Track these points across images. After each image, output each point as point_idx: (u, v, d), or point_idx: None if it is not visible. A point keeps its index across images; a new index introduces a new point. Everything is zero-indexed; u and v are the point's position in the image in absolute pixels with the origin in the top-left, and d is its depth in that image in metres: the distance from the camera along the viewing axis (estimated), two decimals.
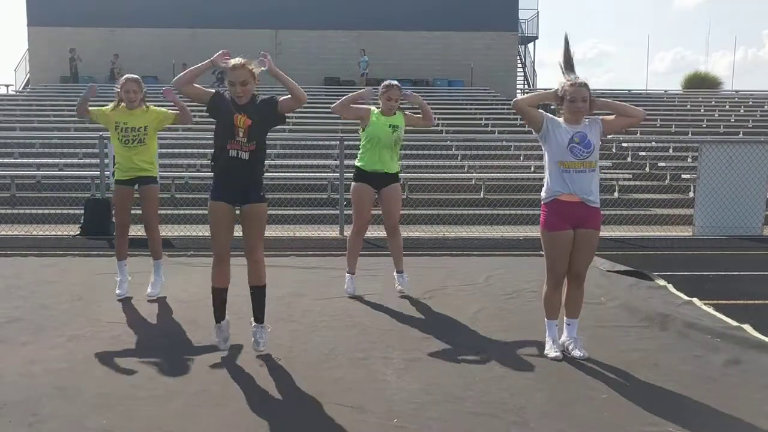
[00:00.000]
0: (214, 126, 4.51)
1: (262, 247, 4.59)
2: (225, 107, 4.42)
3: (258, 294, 4.58)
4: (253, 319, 4.60)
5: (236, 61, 4.39)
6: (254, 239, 4.51)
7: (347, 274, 6.30)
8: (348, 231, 6.24)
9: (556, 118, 4.49)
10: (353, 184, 6.14)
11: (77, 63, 25.32)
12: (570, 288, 4.59)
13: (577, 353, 4.52)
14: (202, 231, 9.69)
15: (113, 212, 6.07)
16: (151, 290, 6.07)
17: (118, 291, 6.06)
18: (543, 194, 4.52)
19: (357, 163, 6.13)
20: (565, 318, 4.66)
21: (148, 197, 5.98)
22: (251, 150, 4.39)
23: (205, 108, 4.51)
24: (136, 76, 6.03)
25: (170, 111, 6.05)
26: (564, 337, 4.66)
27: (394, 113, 6.09)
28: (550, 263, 4.52)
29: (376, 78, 26.72)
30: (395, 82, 6.14)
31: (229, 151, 4.37)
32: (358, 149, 6.16)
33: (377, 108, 6.12)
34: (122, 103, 5.87)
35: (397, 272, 6.35)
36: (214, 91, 4.56)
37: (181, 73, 4.52)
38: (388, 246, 6.38)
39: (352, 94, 6.08)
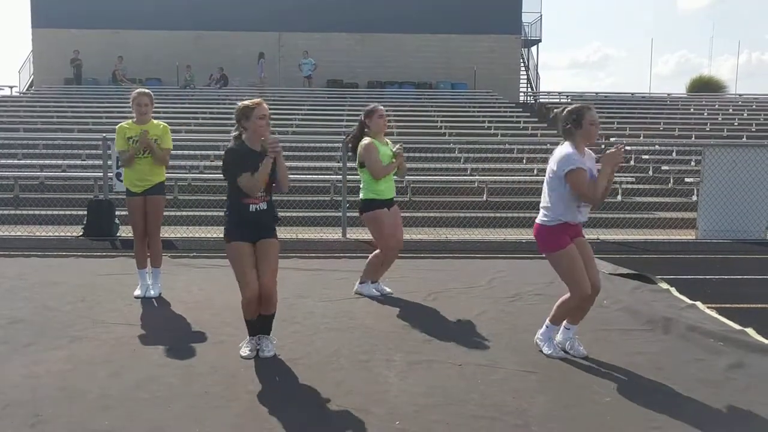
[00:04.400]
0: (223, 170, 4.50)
1: (276, 282, 4.53)
2: (246, 163, 4.35)
3: (268, 318, 4.61)
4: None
5: (258, 99, 4.50)
6: (269, 275, 4.42)
7: (372, 283, 6.35)
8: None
9: (581, 158, 4.40)
10: (373, 212, 6.02)
11: (80, 65, 25.31)
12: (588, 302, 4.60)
13: (576, 352, 4.60)
14: (205, 233, 9.71)
15: (130, 224, 6.18)
16: (152, 293, 6.16)
17: (137, 292, 6.14)
18: (550, 218, 4.45)
19: (371, 195, 6.02)
20: (566, 322, 4.69)
21: (155, 209, 6.08)
22: (266, 200, 4.48)
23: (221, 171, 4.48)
24: (147, 90, 6.15)
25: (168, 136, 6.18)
26: (560, 338, 4.70)
27: (386, 142, 6.16)
28: (577, 280, 4.44)
29: (378, 80, 26.84)
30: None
31: (249, 206, 4.41)
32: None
33: (371, 139, 6.06)
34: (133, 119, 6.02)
35: (374, 282, 6.36)
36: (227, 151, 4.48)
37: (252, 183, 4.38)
38: (374, 258, 6.29)
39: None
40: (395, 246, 6.20)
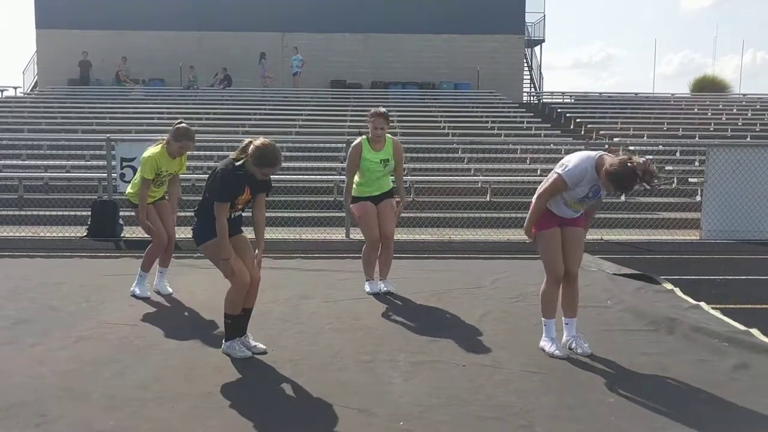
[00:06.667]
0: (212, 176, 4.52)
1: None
2: (240, 188, 4.44)
3: (249, 313, 4.71)
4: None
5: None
6: (256, 267, 4.65)
7: (370, 281, 6.37)
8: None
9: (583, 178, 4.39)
10: (353, 206, 6.23)
11: (88, 65, 25.34)
12: (565, 287, 4.69)
13: (582, 350, 4.62)
14: None
15: (153, 227, 6.29)
16: (170, 290, 6.35)
17: (140, 293, 6.20)
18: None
19: (354, 193, 6.22)
20: (563, 318, 4.75)
21: (170, 210, 6.48)
22: (243, 211, 4.62)
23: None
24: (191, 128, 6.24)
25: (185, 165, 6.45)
26: (565, 337, 4.75)
27: (383, 145, 6.14)
28: (549, 262, 4.66)
29: (382, 80, 26.83)
30: (383, 110, 6.12)
31: (230, 215, 4.48)
32: None
33: (366, 137, 6.16)
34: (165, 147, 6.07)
35: (380, 280, 6.39)
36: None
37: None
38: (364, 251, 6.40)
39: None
40: (376, 239, 6.20)
